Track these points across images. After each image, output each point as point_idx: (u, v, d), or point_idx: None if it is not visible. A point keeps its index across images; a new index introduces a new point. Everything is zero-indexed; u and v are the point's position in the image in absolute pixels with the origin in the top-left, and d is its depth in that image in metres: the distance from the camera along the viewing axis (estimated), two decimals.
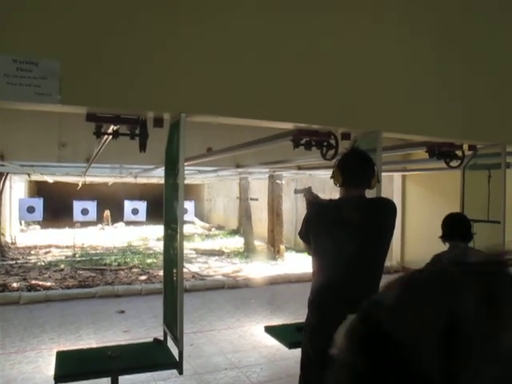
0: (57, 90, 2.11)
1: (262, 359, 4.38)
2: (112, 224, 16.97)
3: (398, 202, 8.77)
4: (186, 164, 6.25)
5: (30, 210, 9.14)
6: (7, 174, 10.08)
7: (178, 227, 2.37)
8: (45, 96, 2.11)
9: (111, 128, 2.60)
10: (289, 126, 2.96)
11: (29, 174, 9.64)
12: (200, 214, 21.02)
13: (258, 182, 12.93)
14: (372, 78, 2.87)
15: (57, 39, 2.12)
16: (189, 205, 11.12)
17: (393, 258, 8.86)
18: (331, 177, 2.48)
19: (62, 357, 2.41)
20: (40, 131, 5.94)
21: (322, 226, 2.32)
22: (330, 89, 2.78)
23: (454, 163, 3.77)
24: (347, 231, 2.23)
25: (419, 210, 8.26)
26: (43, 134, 5.97)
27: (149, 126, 2.61)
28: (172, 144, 2.57)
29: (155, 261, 10.53)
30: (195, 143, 6.06)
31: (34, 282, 7.85)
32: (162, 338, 2.75)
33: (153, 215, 17.92)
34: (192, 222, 18.01)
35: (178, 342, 2.33)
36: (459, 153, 3.68)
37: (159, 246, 13.20)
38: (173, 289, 2.49)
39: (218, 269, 9.62)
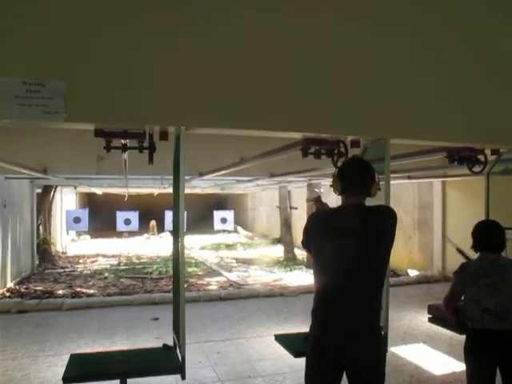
0: (63, 109, 2.26)
1: (286, 368, 4.39)
2: (158, 233, 17.46)
3: (438, 208, 8.51)
4: (219, 173, 6.35)
5: (76, 220, 9.62)
6: (56, 186, 10.68)
7: (180, 237, 2.46)
8: (51, 114, 2.26)
9: (121, 142, 2.74)
10: (296, 135, 2.99)
11: (75, 187, 10.16)
12: (244, 223, 21.25)
13: (299, 191, 12.91)
14: (379, 84, 2.85)
15: (63, 61, 2.27)
16: (228, 214, 11.29)
17: (434, 267, 8.59)
18: (331, 185, 2.49)
19: (74, 359, 2.56)
20: (79, 145, 6.22)
21: (321, 234, 2.32)
22: (337, 97, 2.79)
23: (476, 168, 3.65)
24: (346, 239, 2.23)
25: (460, 216, 7.96)
26: (82, 148, 6.25)
27: (156, 139, 2.72)
28: (177, 156, 2.67)
29: (196, 269, 10.76)
30: (229, 154, 6.16)
31: (78, 289, 8.26)
32: (171, 344, 2.84)
33: (196, 224, 18.30)
34: (234, 231, 18.21)
35: (181, 349, 2.41)
36: (482, 157, 3.57)
37: (202, 255, 13.47)
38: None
39: (257, 278, 9.71)
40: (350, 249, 2.21)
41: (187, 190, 13.74)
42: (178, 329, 2.72)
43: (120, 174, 6.64)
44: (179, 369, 2.39)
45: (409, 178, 7.71)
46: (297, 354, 2.69)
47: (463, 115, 3.00)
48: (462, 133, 3.06)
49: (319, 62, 2.70)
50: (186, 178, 7.80)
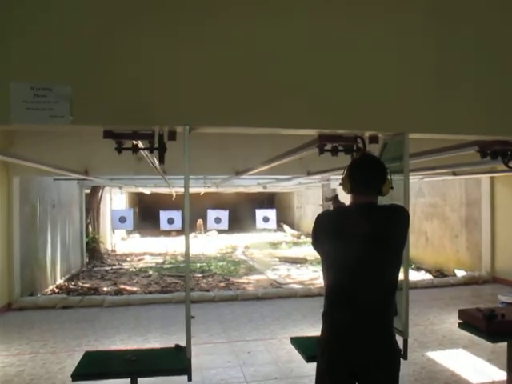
0: (68, 112, 2.30)
1: (312, 371, 4.23)
2: (205, 232, 17.70)
3: (486, 205, 8.07)
4: (253, 172, 6.27)
5: (122, 220, 9.90)
6: (104, 187, 11.06)
7: (186, 237, 2.43)
8: (58, 118, 2.31)
9: (132, 143, 2.76)
10: (311, 132, 2.90)
11: (120, 187, 10.47)
12: (291, 222, 21.16)
13: None
14: (396, 75, 2.70)
15: (68, 65, 2.31)
16: (270, 213, 11.23)
17: (482, 267, 8.13)
18: (340, 184, 2.39)
19: (87, 357, 2.60)
20: None
21: (328, 235, 2.23)
22: (353, 90, 2.67)
23: None
24: (355, 241, 2.12)
25: (511, 214, 7.51)
26: (123, 152, 6.41)
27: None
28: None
29: (237, 268, 10.81)
30: (264, 153, 6.09)
31: (122, 286, 8.51)
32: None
33: (242, 223, 18.35)
34: (281, 230, 18.15)
35: (186, 350, 2.39)
36: None
37: (246, 254, 13.54)
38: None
39: (297, 276, 9.64)
40: (359, 251, 2.10)
41: (231, 189, 13.89)
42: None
43: (157, 175, 6.76)
44: (185, 369, 2.37)
45: (454, 174, 7.35)
46: (308, 359, 2.61)
47: (491, 105, 2.79)
48: (491, 125, 2.84)
49: (332, 55, 2.60)
50: (224, 176, 7.88)
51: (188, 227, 2.44)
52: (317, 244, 2.30)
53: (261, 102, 2.53)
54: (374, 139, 2.93)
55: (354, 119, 2.70)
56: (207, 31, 2.42)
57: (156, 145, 2.74)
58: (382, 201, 2.68)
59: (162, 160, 2.78)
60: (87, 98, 2.32)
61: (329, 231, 2.22)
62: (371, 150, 2.77)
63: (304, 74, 2.56)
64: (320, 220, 2.31)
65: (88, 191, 10.94)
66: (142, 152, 3.09)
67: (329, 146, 3.03)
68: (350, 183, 2.27)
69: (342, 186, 2.37)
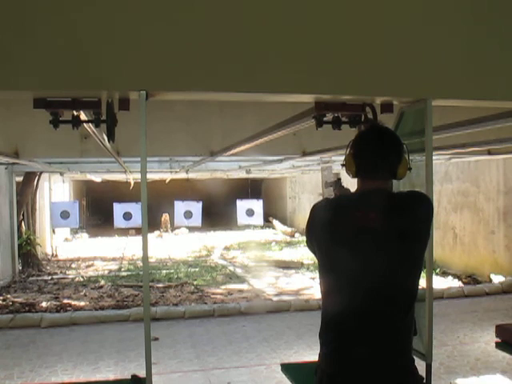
0: None
1: None
2: (172, 230, 17.69)
3: None
4: (234, 151, 6.28)
5: (64, 215, 9.81)
6: (41, 173, 10.92)
7: (143, 233, 2.40)
8: None
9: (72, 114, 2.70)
10: (306, 98, 2.86)
11: (61, 173, 10.37)
12: (282, 216, 21.24)
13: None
14: (418, 24, 2.67)
15: None
16: (256, 205, 11.20)
17: None
18: (342, 164, 2.38)
19: None
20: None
21: (326, 233, 2.22)
22: (360, 43, 2.62)
23: None
24: (363, 241, 2.12)
25: None
26: (63, 127, 6.33)
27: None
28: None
29: (215, 275, 10.85)
30: (247, 127, 6.06)
31: (65, 301, 8.51)
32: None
33: (220, 218, 18.37)
34: (270, 226, 18.19)
35: (146, 382, 2.36)
36: None
37: (226, 257, 13.58)
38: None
39: (290, 285, 9.81)
40: (368, 255, 2.10)
41: (205, 175, 13.85)
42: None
43: (109, 157, 6.70)
44: None
45: (489, 153, 7.46)
46: None
47: None
48: None
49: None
50: (196, 158, 7.84)
51: (146, 223, 2.39)
52: (312, 244, 2.29)
53: (239, 59, 2.48)
54: (387, 107, 2.91)
55: (361, 81, 2.66)
56: None
57: (103, 116, 2.70)
58: (399, 186, 2.69)
59: (111, 136, 2.74)
60: (8, 54, 2.25)
61: (329, 229, 2.20)
62: (383, 122, 2.76)
63: (296, 21, 2.51)
64: (316, 212, 2.30)
65: (20, 179, 10.80)
66: (87, 127, 3.03)
67: (329, 117, 3.01)
68: (355, 163, 2.26)
69: (345, 168, 2.36)
